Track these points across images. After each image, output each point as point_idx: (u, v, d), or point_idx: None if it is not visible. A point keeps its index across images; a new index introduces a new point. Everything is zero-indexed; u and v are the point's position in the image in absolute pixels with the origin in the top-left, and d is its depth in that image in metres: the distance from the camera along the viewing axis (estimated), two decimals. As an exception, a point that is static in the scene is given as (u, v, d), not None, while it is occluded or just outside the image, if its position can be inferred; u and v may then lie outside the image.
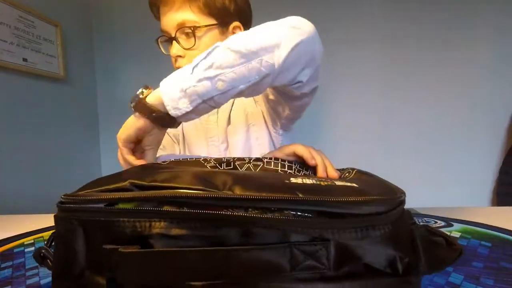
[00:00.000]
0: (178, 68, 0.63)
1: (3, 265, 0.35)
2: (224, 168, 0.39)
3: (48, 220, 0.53)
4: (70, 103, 1.29)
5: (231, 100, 0.69)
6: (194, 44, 0.59)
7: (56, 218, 0.24)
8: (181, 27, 0.59)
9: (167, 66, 1.50)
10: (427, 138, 1.22)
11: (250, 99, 0.69)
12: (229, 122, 0.68)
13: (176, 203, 0.22)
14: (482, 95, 1.18)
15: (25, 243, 0.42)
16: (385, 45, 1.23)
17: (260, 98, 0.68)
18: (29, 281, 0.31)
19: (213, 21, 0.60)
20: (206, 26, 0.59)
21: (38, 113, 1.13)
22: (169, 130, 0.66)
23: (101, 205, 0.24)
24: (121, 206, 0.24)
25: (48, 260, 0.26)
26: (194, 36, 0.59)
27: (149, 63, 1.40)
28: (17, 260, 0.36)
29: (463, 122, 1.20)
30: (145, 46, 1.41)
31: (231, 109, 0.69)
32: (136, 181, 0.25)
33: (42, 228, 0.48)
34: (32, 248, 0.40)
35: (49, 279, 0.31)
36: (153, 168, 0.32)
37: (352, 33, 1.24)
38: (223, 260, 0.20)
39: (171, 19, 0.59)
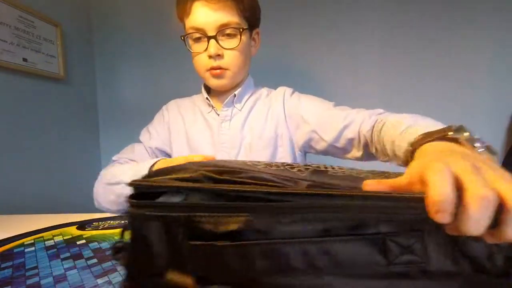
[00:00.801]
0: (214, 67, 0.61)
1: (3, 265, 0.35)
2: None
3: (48, 220, 0.53)
4: (70, 103, 1.29)
5: (246, 109, 0.69)
6: (238, 45, 0.60)
7: (131, 214, 0.23)
8: (225, 27, 0.59)
9: (167, 66, 1.50)
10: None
11: (282, 120, 0.69)
12: (242, 131, 0.68)
13: (254, 198, 0.21)
14: (482, 95, 1.18)
15: (25, 243, 0.42)
16: (384, 46, 1.23)
17: (299, 130, 0.67)
18: (29, 281, 0.31)
19: (247, 25, 0.62)
20: (246, 29, 0.62)
21: (38, 113, 1.13)
22: (153, 144, 0.70)
23: (178, 199, 0.23)
24: (194, 199, 0.23)
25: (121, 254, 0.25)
26: (240, 37, 0.60)
27: (149, 63, 1.40)
28: (17, 260, 0.36)
29: (462, 122, 1.19)
30: (146, 46, 1.41)
31: (247, 118, 0.69)
32: (208, 173, 0.24)
33: (42, 228, 0.48)
34: (32, 248, 0.40)
35: (49, 279, 0.31)
36: (220, 164, 0.30)
37: (351, 34, 1.24)
38: (319, 251, 0.20)
39: (214, 18, 0.58)
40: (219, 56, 0.61)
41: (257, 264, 0.21)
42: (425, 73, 1.21)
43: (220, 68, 0.62)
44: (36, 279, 0.31)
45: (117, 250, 0.25)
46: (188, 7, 0.59)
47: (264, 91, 0.74)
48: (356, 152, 0.59)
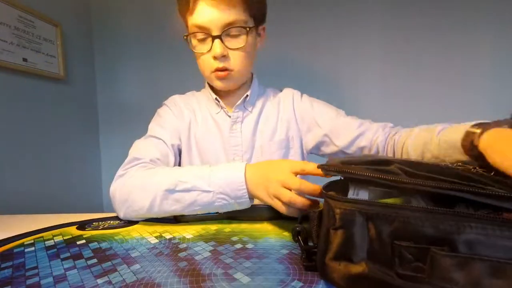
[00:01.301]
0: (219, 68, 0.59)
1: (3, 265, 0.35)
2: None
3: (48, 220, 0.53)
4: (70, 103, 1.29)
5: (256, 111, 0.69)
6: (244, 45, 0.58)
7: (338, 208, 0.25)
8: (231, 26, 0.56)
9: (167, 66, 1.50)
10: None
11: (293, 122, 0.70)
12: (254, 133, 0.67)
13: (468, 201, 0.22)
14: (482, 95, 1.18)
15: (25, 243, 0.42)
16: (385, 47, 1.23)
17: (311, 133, 0.69)
18: (29, 281, 0.31)
19: (253, 23, 0.60)
20: (252, 27, 0.59)
21: (38, 113, 1.13)
22: (174, 141, 0.64)
23: (365, 195, 0.25)
24: (391, 200, 0.24)
25: (299, 237, 0.31)
26: (247, 37, 0.58)
27: (149, 63, 1.40)
28: (17, 260, 0.36)
29: (462, 122, 1.20)
30: (146, 46, 1.41)
31: (258, 120, 0.68)
32: (403, 167, 0.25)
33: (42, 228, 0.48)
34: (32, 248, 0.40)
35: (49, 279, 0.31)
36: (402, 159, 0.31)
37: (352, 34, 1.24)
38: None
39: (220, 17, 0.55)
40: (224, 57, 0.58)
41: (484, 283, 0.19)
42: (425, 73, 1.21)
43: (225, 69, 0.60)
44: (36, 279, 0.31)
45: (297, 233, 0.33)
46: (192, 5, 0.56)
47: (269, 91, 0.74)
48: None
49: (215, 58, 0.58)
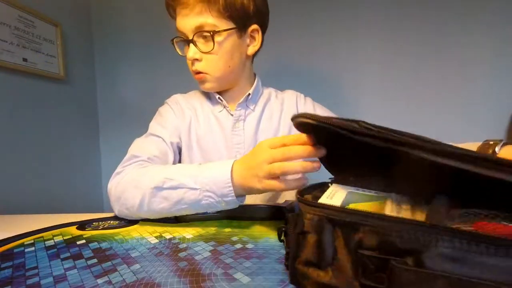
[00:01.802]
0: (194, 71, 0.62)
1: (3, 265, 0.35)
2: None
3: (48, 220, 0.53)
4: (70, 103, 1.29)
5: (259, 109, 0.69)
6: (213, 48, 0.58)
7: (304, 211, 0.25)
8: (199, 30, 0.58)
9: (167, 66, 1.50)
10: (426, 134, 1.22)
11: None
12: (257, 132, 0.68)
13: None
14: (482, 95, 1.18)
15: (25, 243, 0.42)
16: (384, 46, 1.23)
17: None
18: (29, 281, 0.31)
19: (232, 25, 0.59)
20: (225, 30, 0.58)
21: (38, 113, 1.13)
22: (173, 139, 0.65)
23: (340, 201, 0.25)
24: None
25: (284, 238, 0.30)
26: (213, 40, 0.58)
27: (149, 63, 1.40)
28: (17, 260, 0.36)
29: (462, 122, 1.20)
30: (145, 46, 1.41)
31: (260, 118, 0.69)
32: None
33: (42, 228, 0.48)
34: (32, 248, 0.40)
35: (49, 279, 0.31)
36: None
37: (351, 33, 1.24)
38: None
39: (189, 22, 0.58)
40: (196, 60, 0.61)
41: None
42: (425, 72, 1.21)
43: (200, 72, 0.62)
44: (36, 279, 0.31)
45: (281, 233, 0.32)
46: (171, 11, 0.61)
47: (271, 91, 0.75)
48: None
49: (188, 61, 0.62)
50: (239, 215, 0.50)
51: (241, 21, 0.60)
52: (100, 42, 1.43)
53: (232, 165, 0.44)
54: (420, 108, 1.21)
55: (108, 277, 0.31)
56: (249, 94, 0.67)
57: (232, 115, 0.68)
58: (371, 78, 1.25)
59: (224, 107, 0.69)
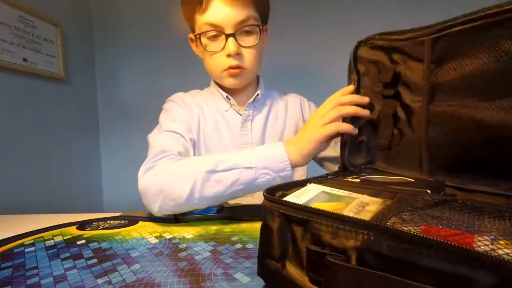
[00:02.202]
0: (232, 65, 0.59)
1: (3, 265, 0.35)
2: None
3: (48, 220, 0.53)
4: (70, 103, 1.29)
5: (265, 109, 0.69)
6: (257, 43, 0.59)
7: (263, 206, 0.27)
8: (244, 24, 0.57)
9: (167, 66, 1.50)
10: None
11: (300, 127, 0.71)
12: (264, 132, 0.68)
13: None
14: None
15: (25, 243, 0.42)
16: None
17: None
18: (29, 281, 0.31)
19: (261, 22, 0.61)
20: (264, 25, 0.61)
21: (38, 113, 1.13)
22: (192, 135, 0.63)
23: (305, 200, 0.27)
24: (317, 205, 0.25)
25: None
26: (260, 35, 0.59)
27: (149, 63, 1.40)
28: (17, 260, 0.36)
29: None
30: (146, 46, 1.41)
31: (267, 119, 0.69)
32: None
33: (42, 228, 0.48)
34: (32, 248, 0.40)
35: (49, 279, 0.31)
36: None
37: (352, 32, 1.24)
38: None
39: (234, 14, 0.55)
40: (238, 55, 0.58)
41: None
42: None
43: (239, 67, 0.60)
44: (36, 279, 0.31)
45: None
46: (205, 3, 0.56)
47: (275, 93, 0.75)
48: None
49: (229, 56, 0.58)
50: (239, 215, 0.50)
51: (265, 19, 0.63)
52: (100, 42, 1.43)
53: (284, 144, 0.48)
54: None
55: (108, 277, 0.31)
56: (258, 94, 0.67)
57: (240, 114, 0.67)
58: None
59: (231, 106, 0.68)
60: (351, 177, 0.36)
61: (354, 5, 1.22)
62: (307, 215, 0.23)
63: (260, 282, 0.30)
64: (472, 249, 0.15)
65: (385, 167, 0.41)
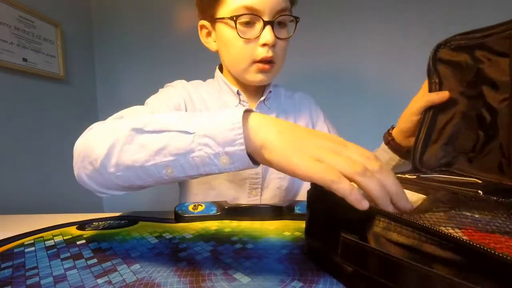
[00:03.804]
0: (265, 58, 0.53)
1: (3, 265, 0.35)
2: None
3: (48, 220, 0.53)
4: (70, 103, 1.29)
5: (274, 107, 0.66)
6: (292, 35, 0.55)
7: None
8: (283, 13, 0.51)
9: (167, 66, 1.50)
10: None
11: (309, 127, 0.69)
12: None
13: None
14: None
15: (25, 243, 0.42)
16: (384, 45, 1.23)
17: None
18: (29, 281, 0.31)
19: None
20: (298, 18, 0.55)
21: (38, 113, 1.13)
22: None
23: None
24: None
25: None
26: (295, 27, 0.55)
27: (149, 63, 1.40)
28: (17, 260, 0.36)
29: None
30: (146, 46, 1.41)
31: (277, 117, 0.65)
32: None
33: (42, 228, 0.48)
34: (32, 248, 0.40)
35: (49, 279, 0.31)
36: None
37: (352, 31, 1.24)
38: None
39: (276, 0, 0.50)
40: (273, 46, 0.52)
41: (376, 272, 0.21)
42: (425, 72, 1.21)
43: (270, 61, 0.54)
44: (36, 279, 0.31)
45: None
46: None
47: (281, 90, 0.71)
48: None
49: (264, 46, 0.52)
50: (239, 215, 0.50)
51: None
52: (100, 42, 1.43)
53: (250, 111, 0.31)
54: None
55: (108, 277, 0.31)
56: (270, 91, 0.64)
57: None
58: (371, 79, 1.25)
59: (239, 102, 0.63)
60: (410, 174, 0.36)
61: (354, 5, 1.22)
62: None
63: (260, 282, 0.30)
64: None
65: (465, 170, 0.39)
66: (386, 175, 0.25)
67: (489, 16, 1.14)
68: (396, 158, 0.57)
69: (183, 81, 0.66)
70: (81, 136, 0.40)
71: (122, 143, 0.32)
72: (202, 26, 0.59)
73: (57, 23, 1.19)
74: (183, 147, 0.30)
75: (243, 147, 0.28)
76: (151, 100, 0.59)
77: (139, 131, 0.32)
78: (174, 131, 0.30)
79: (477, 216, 0.22)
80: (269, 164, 0.28)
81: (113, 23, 1.42)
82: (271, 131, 0.28)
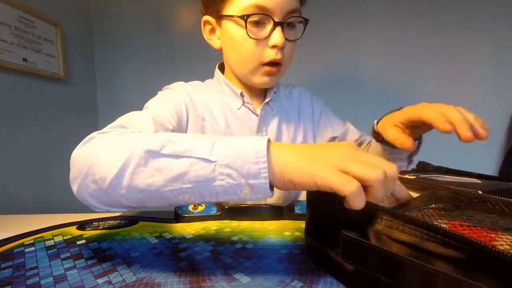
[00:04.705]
0: (274, 60, 0.51)
1: (3, 265, 0.35)
2: None
3: (48, 220, 0.53)
4: (70, 103, 1.29)
5: (276, 106, 0.64)
6: (300, 37, 0.54)
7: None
8: (293, 15, 0.50)
9: (167, 66, 1.50)
10: (426, 139, 1.22)
11: (310, 123, 0.69)
12: (279, 132, 0.63)
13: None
14: (482, 95, 1.18)
15: (25, 243, 0.42)
16: (385, 45, 1.23)
17: (321, 134, 0.70)
18: (29, 281, 0.31)
19: None
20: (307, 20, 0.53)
21: (38, 113, 1.13)
22: (169, 117, 0.56)
23: None
24: None
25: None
26: (304, 29, 0.53)
27: (149, 63, 1.40)
28: (17, 260, 0.36)
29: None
30: (146, 46, 1.41)
31: (280, 119, 0.64)
32: None
33: (42, 228, 0.48)
34: (32, 248, 0.40)
35: (49, 279, 0.31)
36: None
37: (354, 32, 1.24)
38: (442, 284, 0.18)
39: (288, 1, 0.49)
40: (282, 48, 0.51)
41: (374, 268, 0.22)
42: (426, 72, 1.21)
43: (278, 63, 0.53)
44: (36, 279, 0.31)
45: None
46: None
47: (280, 87, 0.69)
48: None
49: (274, 48, 0.50)
50: (239, 215, 0.50)
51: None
52: (100, 42, 1.43)
53: (269, 141, 0.29)
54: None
55: (108, 277, 0.31)
56: (275, 92, 0.62)
57: (256, 114, 0.61)
58: (371, 78, 1.25)
59: (243, 104, 0.61)
60: (410, 174, 0.36)
61: (355, 5, 1.22)
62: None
63: (260, 282, 0.30)
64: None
65: None
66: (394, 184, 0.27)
67: (487, 15, 1.14)
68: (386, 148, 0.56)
69: (183, 83, 0.64)
70: (79, 146, 0.38)
71: (135, 164, 0.30)
72: (206, 22, 0.57)
73: (57, 23, 1.19)
74: (203, 175, 0.29)
75: (267, 180, 0.28)
76: (151, 104, 0.57)
77: (155, 153, 0.30)
78: (194, 157, 0.29)
79: (477, 216, 0.22)
80: (291, 183, 0.27)
81: (113, 23, 1.42)
82: (290, 155, 0.28)
